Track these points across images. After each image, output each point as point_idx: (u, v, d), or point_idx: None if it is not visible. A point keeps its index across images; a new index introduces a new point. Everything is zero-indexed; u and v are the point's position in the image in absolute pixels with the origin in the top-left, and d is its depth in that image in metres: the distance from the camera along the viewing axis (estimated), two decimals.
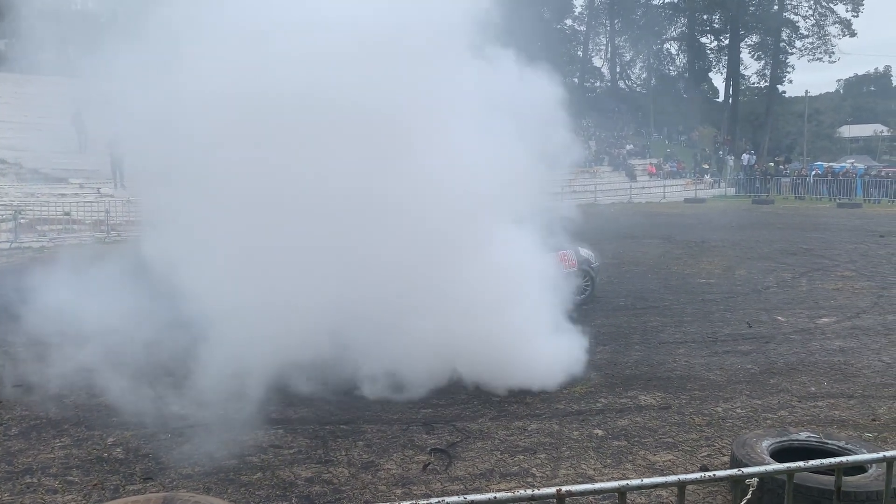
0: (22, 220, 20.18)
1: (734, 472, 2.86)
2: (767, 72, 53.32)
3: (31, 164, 24.29)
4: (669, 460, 5.58)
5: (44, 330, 7.89)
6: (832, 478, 3.48)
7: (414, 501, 2.76)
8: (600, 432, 6.15)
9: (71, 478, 5.33)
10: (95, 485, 5.21)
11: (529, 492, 2.54)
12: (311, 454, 5.73)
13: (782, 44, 51.63)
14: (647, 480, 2.66)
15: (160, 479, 5.30)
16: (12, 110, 27.05)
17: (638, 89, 58.76)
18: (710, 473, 2.75)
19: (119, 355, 7.86)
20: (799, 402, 6.89)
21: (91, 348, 7.56)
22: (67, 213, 21.53)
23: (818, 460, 2.97)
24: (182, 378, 7.59)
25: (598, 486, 2.70)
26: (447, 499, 2.49)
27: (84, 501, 4.95)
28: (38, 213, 21.29)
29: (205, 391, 6.99)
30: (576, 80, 58.60)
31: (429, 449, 5.81)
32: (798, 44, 51.50)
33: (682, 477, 2.68)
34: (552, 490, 2.58)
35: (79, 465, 5.55)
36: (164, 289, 7.70)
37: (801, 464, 2.90)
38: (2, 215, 20.42)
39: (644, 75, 58.64)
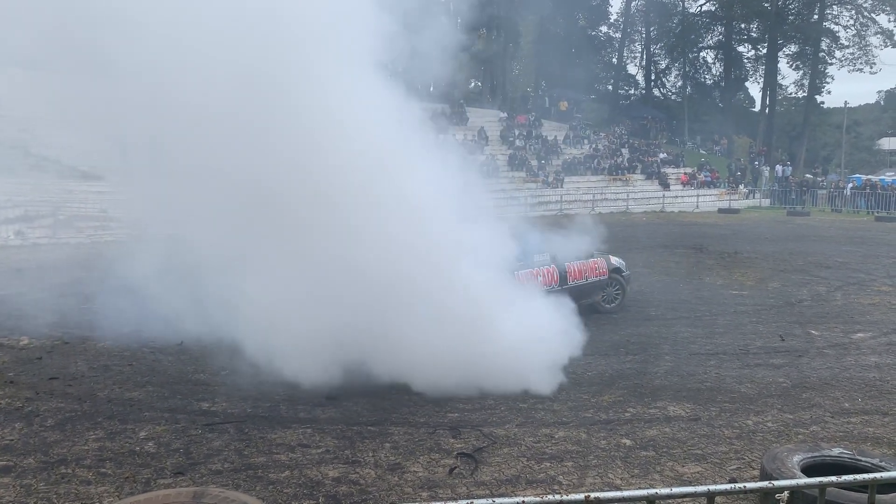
0: (61, 217, 20.60)
1: (765, 484, 2.84)
2: (806, 82, 52.30)
3: (71, 161, 24.73)
4: (698, 472, 5.53)
5: None
6: (864, 495, 3.43)
7: (443, 503, 2.78)
8: (628, 442, 6.11)
9: (104, 470, 5.43)
10: (128, 477, 5.30)
11: (558, 497, 2.55)
12: (339, 454, 5.77)
13: (822, 54, 50.66)
14: (676, 490, 2.65)
15: (190, 474, 5.38)
16: (52, 107, 27.55)
17: (673, 97, 58.22)
18: (741, 485, 2.74)
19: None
20: (832, 417, 6.78)
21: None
22: (104, 211, 21.91)
23: (851, 476, 2.93)
24: (211, 376, 7.76)
25: (626, 493, 2.70)
26: (476, 502, 2.51)
27: (116, 493, 5.04)
28: (76, 209, 21.71)
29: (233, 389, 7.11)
30: (610, 87, 58.32)
31: (455, 453, 5.82)
32: (838, 54, 50.45)
33: (712, 487, 2.67)
34: (580, 496, 2.58)
35: (112, 458, 5.65)
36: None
37: (833, 478, 2.86)
38: (41, 211, 20.86)
39: (679, 83, 58.04)
